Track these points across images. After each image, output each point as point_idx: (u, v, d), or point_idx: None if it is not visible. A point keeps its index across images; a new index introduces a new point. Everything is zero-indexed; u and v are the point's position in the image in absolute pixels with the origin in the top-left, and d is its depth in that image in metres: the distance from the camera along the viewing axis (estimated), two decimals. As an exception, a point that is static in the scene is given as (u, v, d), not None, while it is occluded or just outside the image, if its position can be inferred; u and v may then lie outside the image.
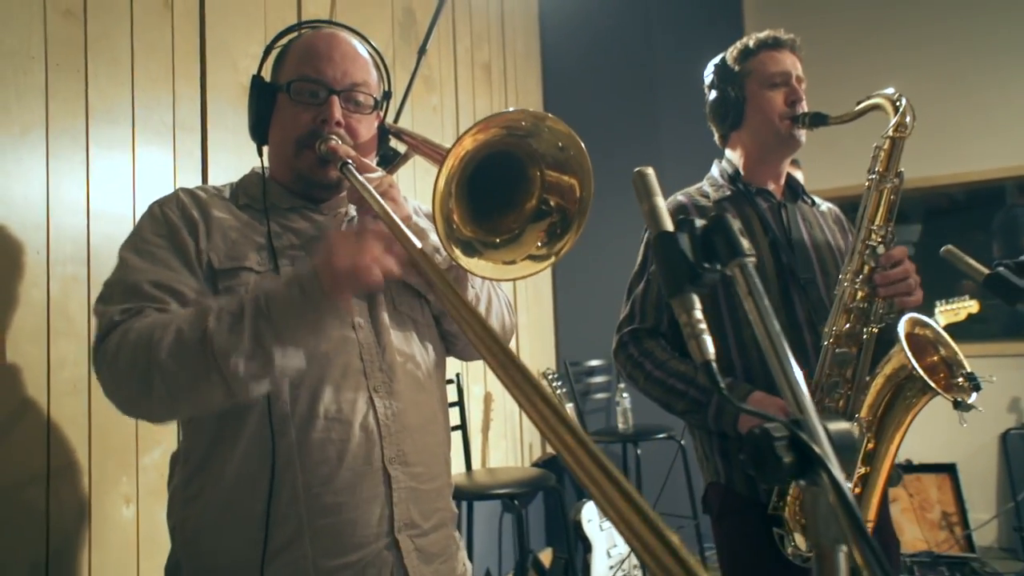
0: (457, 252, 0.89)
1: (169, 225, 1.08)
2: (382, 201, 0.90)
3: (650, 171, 0.68)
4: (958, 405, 1.16)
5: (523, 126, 0.90)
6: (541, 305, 3.84)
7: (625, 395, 3.44)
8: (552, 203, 0.95)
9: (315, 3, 2.38)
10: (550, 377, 3.24)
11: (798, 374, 0.54)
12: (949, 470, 3.74)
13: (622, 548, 3.00)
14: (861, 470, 1.27)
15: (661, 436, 3.28)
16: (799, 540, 1.35)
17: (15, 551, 1.44)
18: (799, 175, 2.72)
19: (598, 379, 3.85)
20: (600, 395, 3.87)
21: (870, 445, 1.27)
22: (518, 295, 3.60)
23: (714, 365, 0.59)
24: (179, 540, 1.07)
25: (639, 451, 3.33)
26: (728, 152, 1.66)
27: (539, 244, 0.96)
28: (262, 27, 2.11)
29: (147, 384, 0.94)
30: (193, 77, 1.95)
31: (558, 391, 3.19)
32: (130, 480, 1.69)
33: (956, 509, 3.67)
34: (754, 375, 1.47)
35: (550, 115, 0.90)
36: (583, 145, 0.92)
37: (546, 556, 3.47)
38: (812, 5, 4.39)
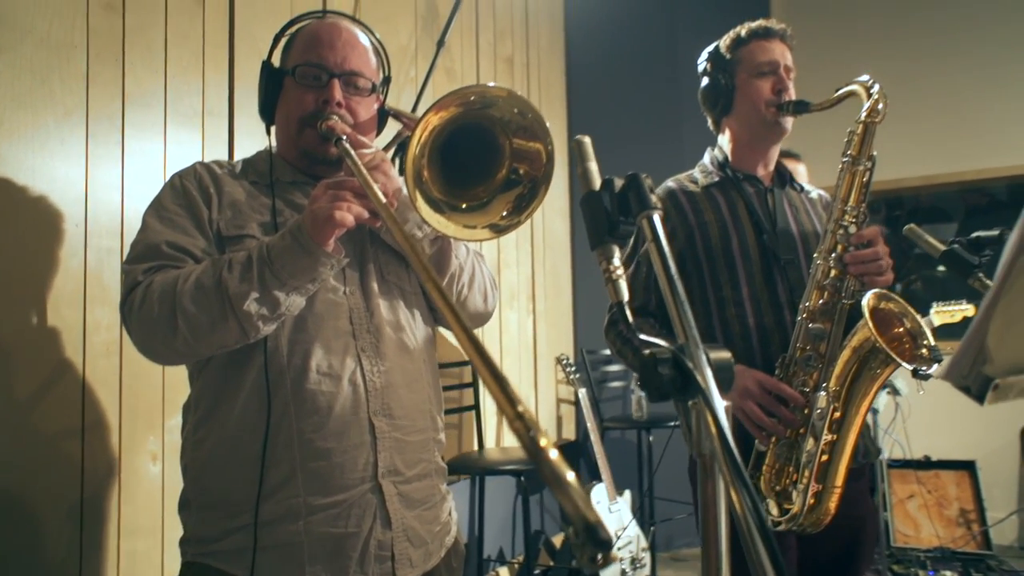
0: (421, 203, 0.99)
1: (187, 195, 1.21)
2: (359, 164, 1.02)
3: (587, 139, 0.77)
4: (916, 373, 1.21)
5: (473, 100, 0.98)
6: (560, 293, 3.92)
7: (640, 383, 3.50)
8: (521, 171, 1.04)
9: (340, -2, 2.51)
10: (564, 363, 3.33)
11: (688, 307, 0.62)
12: (968, 467, 3.72)
13: (630, 531, 3.07)
14: (829, 437, 1.33)
15: (673, 424, 3.34)
16: (771, 506, 1.42)
17: (54, 496, 1.59)
18: (802, 169, 2.75)
19: (614, 368, 3.92)
20: (616, 383, 3.94)
21: (837, 414, 1.33)
22: (536, 282, 3.68)
23: (627, 307, 0.68)
24: (188, 479, 1.20)
25: (651, 438, 3.40)
26: (720, 138, 1.73)
27: (504, 214, 1.04)
28: (289, 19, 2.24)
29: (173, 328, 1.08)
30: (222, 66, 2.09)
31: (572, 376, 3.27)
32: (156, 439, 1.83)
33: (975, 506, 3.65)
34: (734, 349, 1.53)
35: (494, 84, 0.99)
36: (537, 108, 1.01)
37: (559, 539, 3.55)
38: (840, 3, 4.38)
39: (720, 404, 0.58)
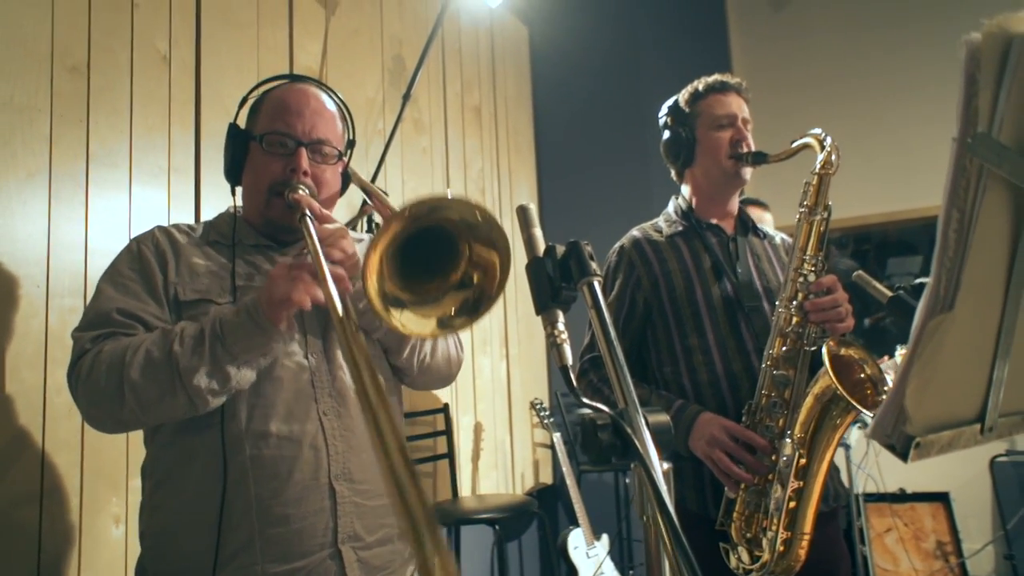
0: (379, 306, 0.94)
1: (143, 260, 1.21)
2: (319, 249, 1.04)
3: (531, 206, 0.79)
4: (875, 419, 1.23)
5: (418, 212, 0.91)
6: (533, 338, 3.93)
7: (615, 425, 3.50)
8: (475, 279, 0.98)
9: (307, 55, 2.55)
10: (538, 408, 3.32)
11: (627, 372, 0.64)
12: (943, 499, 3.74)
13: (608, 575, 3.03)
14: (795, 484, 1.35)
15: (650, 465, 3.33)
16: (743, 553, 1.42)
17: (6, 568, 1.54)
18: (768, 217, 2.83)
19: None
20: (593, 426, 3.93)
21: (803, 461, 1.34)
22: (509, 328, 3.69)
23: (571, 371, 0.69)
24: (145, 545, 1.18)
25: (628, 481, 3.38)
26: (683, 188, 1.78)
27: (453, 311, 1.00)
28: (255, 78, 2.27)
29: (120, 398, 1.07)
30: (188, 124, 2.10)
31: (546, 421, 3.27)
32: (120, 501, 1.79)
33: (951, 538, 3.66)
34: (703, 396, 1.55)
35: (435, 196, 0.90)
36: (493, 216, 0.91)
37: (539, 587, 3.50)
38: (800, 50, 4.52)
39: (659, 468, 0.59)
